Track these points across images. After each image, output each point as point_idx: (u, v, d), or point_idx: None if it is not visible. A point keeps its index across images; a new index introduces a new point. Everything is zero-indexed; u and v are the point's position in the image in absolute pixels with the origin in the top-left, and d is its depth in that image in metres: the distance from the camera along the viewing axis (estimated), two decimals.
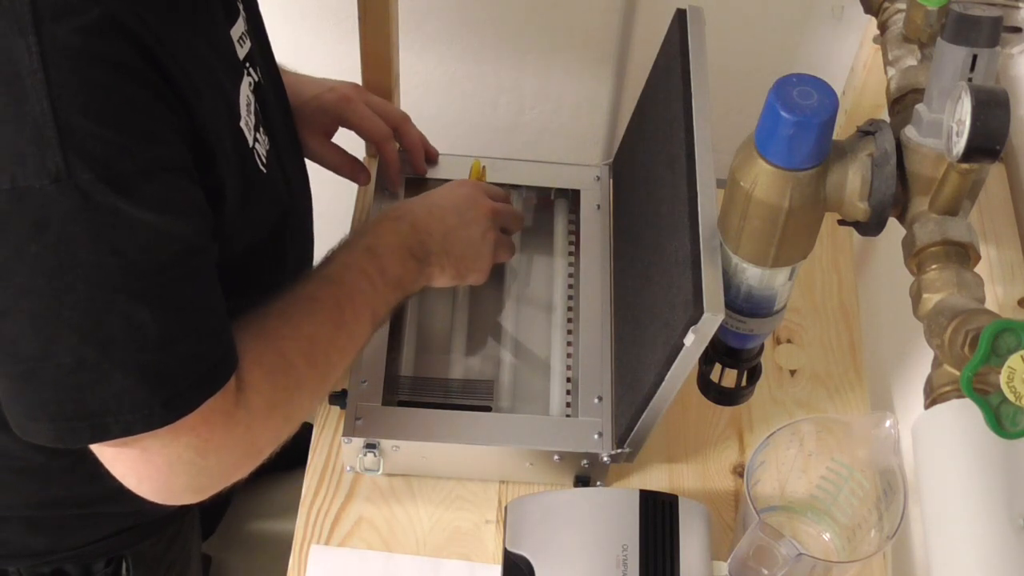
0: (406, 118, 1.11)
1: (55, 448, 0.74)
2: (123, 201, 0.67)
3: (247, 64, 0.86)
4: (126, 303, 0.69)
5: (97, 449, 0.75)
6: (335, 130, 1.10)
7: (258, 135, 0.86)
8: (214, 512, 1.25)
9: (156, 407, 0.71)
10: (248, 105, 0.85)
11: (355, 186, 1.21)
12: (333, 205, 1.19)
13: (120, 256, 0.68)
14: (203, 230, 0.75)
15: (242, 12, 0.87)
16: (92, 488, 0.96)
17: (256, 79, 0.88)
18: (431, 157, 1.14)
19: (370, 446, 0.97)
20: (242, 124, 0.83)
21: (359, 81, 1.17)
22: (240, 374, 0.77)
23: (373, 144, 1.10)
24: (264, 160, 0.87)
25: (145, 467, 0.75)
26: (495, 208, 1.03)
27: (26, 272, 0.67)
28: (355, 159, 1.11)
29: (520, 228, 1.10)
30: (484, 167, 1.12)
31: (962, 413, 0.67)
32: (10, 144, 0.64)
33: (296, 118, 1.06)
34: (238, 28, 0.86)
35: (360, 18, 1.11)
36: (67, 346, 0.68)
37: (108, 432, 0.71)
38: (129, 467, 0.75)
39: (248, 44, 0.87)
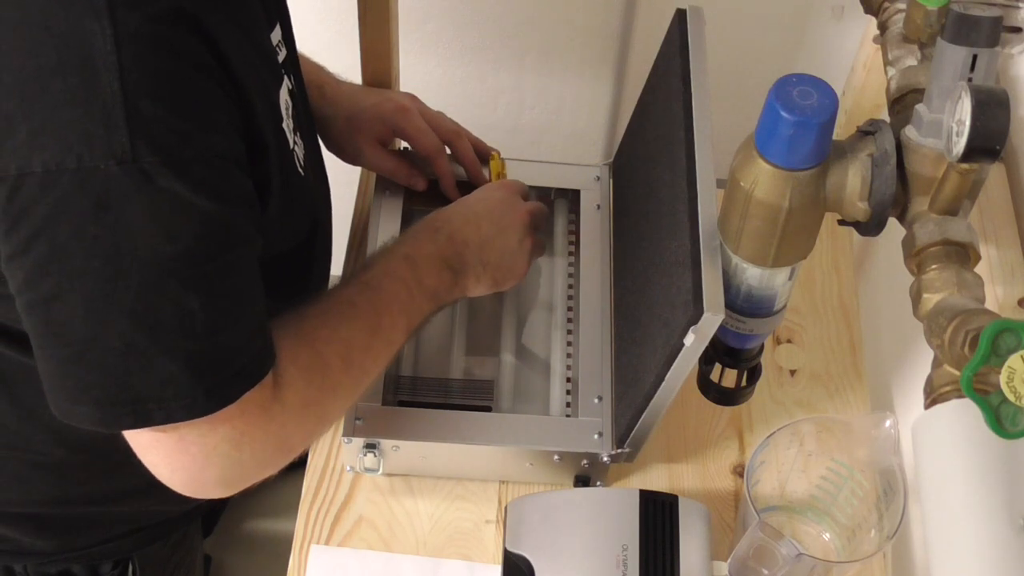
0: (459, 132, 1.11)
1: (79, 441, 0.74)
2: (183, 186, 0.68)
3: (284, 70, 0.87)
4: (178, 289, 0.69)
5: (132, 436, 0.75)
6: (391, 139, 1.12)
7: (296, 139, 0.87)
8: (213, 512, 1.25)
9: (199, 396, 0.72)
10: (287, 109, 0.85)
11: (355, 186, 1.21)
12: (334, 205, 1.19)
13: (176, 242, 0.69)
14: (253, 221, 0.76)
15: (279, 20, 0.88)
16: (105, 486, 0.96)
17: (291, 85, 0.88)
18: (485, 155, 1.13)
19: (370, 446, 0.97)
20: (284, 126, 0.84)
21: (359, 81, 1.17)
22: (277, 371, 0.78)
23: (426, 158, 1.10)
24: (303, 163, 0.88)
25: (180, 457, 0.75)
26: (531, 211, 1.02)
27: (83, 254, 0.67)
28: (411, 165, 1.11)
29: (546, 220, 1.10)
30: (503, 160, 1.12)
31: (962, 413, 0.67)
32: (80, 124, 0.65)
33: (352, 126, 1.08)
34: (276, 35, 0.87)
35: (360, 18, 1.11)
36: (118, 330, 0.69)
37: (151, 418, 0.72)
38: (163, 456, 0.75)
39: (284, 51, 0.88)
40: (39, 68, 0.64)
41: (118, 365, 0.70)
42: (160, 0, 0.67)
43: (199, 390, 0.72)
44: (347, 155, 1.11)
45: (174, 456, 0.75)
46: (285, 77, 0.87)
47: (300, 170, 0.88)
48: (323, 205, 1.02)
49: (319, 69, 1.09)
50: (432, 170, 1.10)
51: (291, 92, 0.88)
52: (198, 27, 0.69)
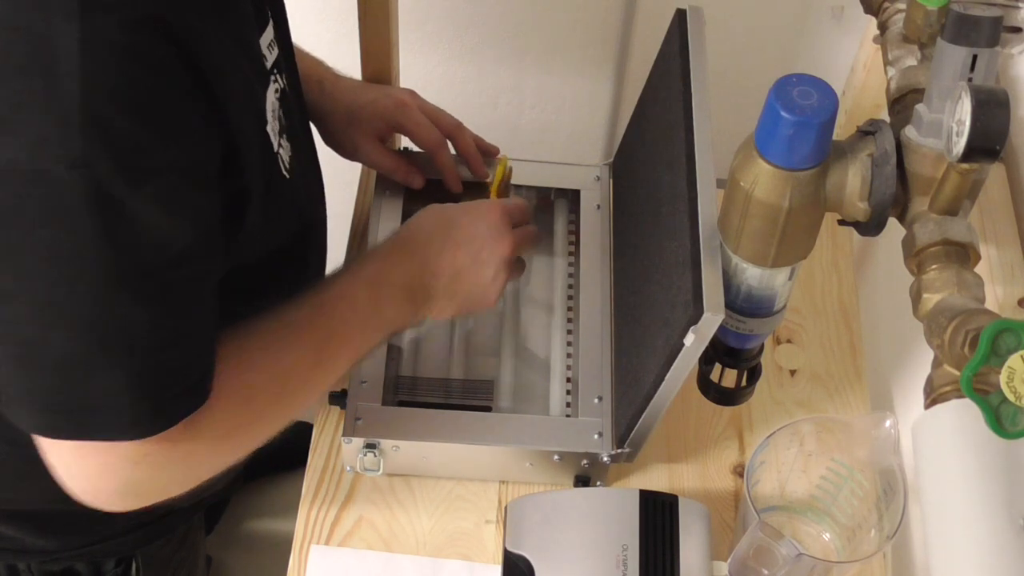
0: (459, 126, 1.10)
1: None
2: (135, 196, 0.66)
3: (274, 71, 0.86)
4: (125, 302, 0.68)
5: (35, 436, 0.74)
6: (389, 135, 1.11)
7: (282, 141, 0.86)
8: (214, 512, 1.25)
9: (142, 414, 0.71)
10: (274, 111, 0.85)
11: (355, 186, 1.21)
12: (334, 205, 1.19)
13: (124, 252, 0.67)
14: (210, 241, 0.74)
15: (271, 20, 0.87)
16: None
17: (282, 86, 0.88)
18: (491, 154, 1.12)
19: (370, 446, 0.97)
20: (268, 129, 0.83)
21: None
22: None
23: (428, 152, 1.09)
24: (288, 166, 0.87)
25: (77, 466, 0.74)
26: (515, 243, 0.97)
27: (34, 256, 0.67)
28: (409, 162, 1.11)
29: (535, 246, 1.06)
30: (511, 167, 1.10)
31: (962, 413, 0.67)
32: (36, 125, 0.64)
33: (351, 121, 1.07)
34: (267, 36, 0.86)
35: (360, 18, 1.11)
36: (64, 336, 0.68)
37: (90, 431, 0.71)
38: (60, 461, 0.74)
39: (276, 51, 0.87)
40: (6, 67, 0.64)
41: (61, 372, 0.69)
42: (136, 6, 0.65)
43: (141, 408, 0.71)
44: (345, 151, 1.10)
45: (71, 464, 0.74)
46: (274, 78, 0.86)
47: (285, 173, 0.87)
48: (314, 206, 1.01)
49: (318, 64, 1.08)
50: (434, 166, 1.10)
51: (281, 93, 0.87)
52: (174, 35, 0.67)
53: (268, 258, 0.88)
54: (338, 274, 0.90)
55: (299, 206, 0.94)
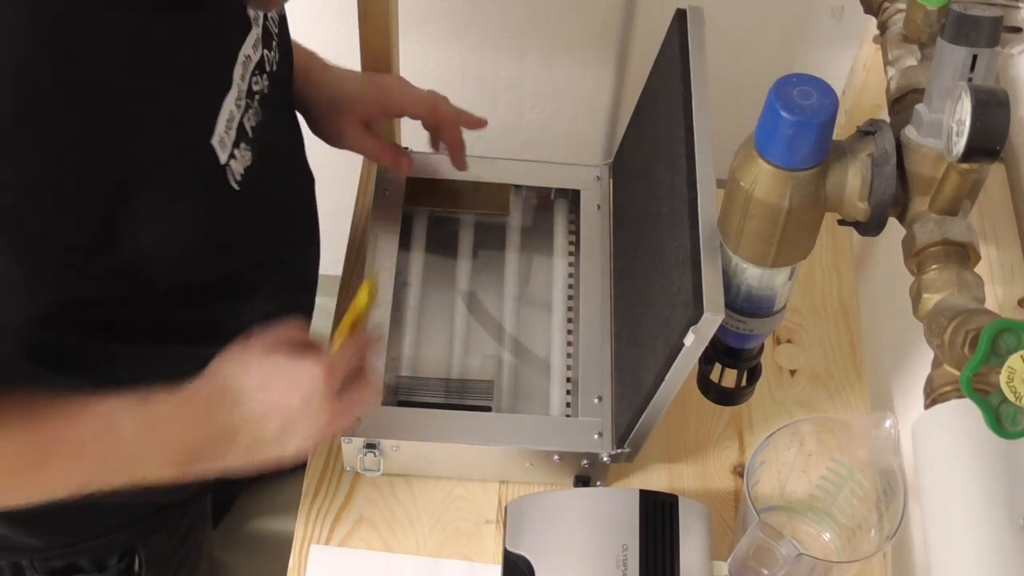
0: (445, 100, 1.07)
1: None
2: None
3: (257, 73, 0.85)
4: None
5: None
6: (378, 121, 1.08)
7: (236, 151, 0.83)
8: (216, 512, 1.25)
9: None
10: (230, 120, 0.82)
11: (355, 186, 1.21)
12: (334, 205, 1.19)
13: None
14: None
15: (257, 25, 0.85)
16: None
17: (257, 89, 0.86)
18: (477, 126, 1.09)
19: (370, 446, 0.97)
20: (214, 141, 0.80)
21: None
22: None
23: (425, 119, 1.07)
24: (238, 177, 0.84)
25: None
26: (333, 418, 0.84)
27: None
28: (395, 146, 1.09)
29: (376, 402, 0.95)
30: (378, 289, 1.01)
31: (962, 413, 0.67)
32: None
33: (334, 108, 1.05)
34: (251, 38, 0.84)
35: (360, 18, 1.11)
36: None
37: None
38: None
39: (258, 55, 0.86)
40: None
41: None
42: (19, 43, 0.63)
43: None
44: (329, 137, 1.07)
45: None
46: (242, 83, 0.83)
47: (234, 185, 0.83)
48: (288, 212, 0.98)
49: (309, 56, 1.06)
50: (435, 145, 1.08)
51: (251, 96, 0.85)
52: (50, 80, 0.64)
53: (242, 271, 0.86)
54: (127, 399, 0.79)
55: (255, 217, 0.88)
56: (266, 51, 0.88)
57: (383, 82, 1.08)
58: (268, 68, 0.89)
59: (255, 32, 0.86)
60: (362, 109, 1.06)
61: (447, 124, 1.07)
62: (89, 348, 0.85)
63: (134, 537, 1.02)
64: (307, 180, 1.05)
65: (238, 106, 0.83)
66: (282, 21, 0.93)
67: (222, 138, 0.81)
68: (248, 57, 0.85)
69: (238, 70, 0.83)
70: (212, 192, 0.82)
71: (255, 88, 0.86)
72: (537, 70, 1.57)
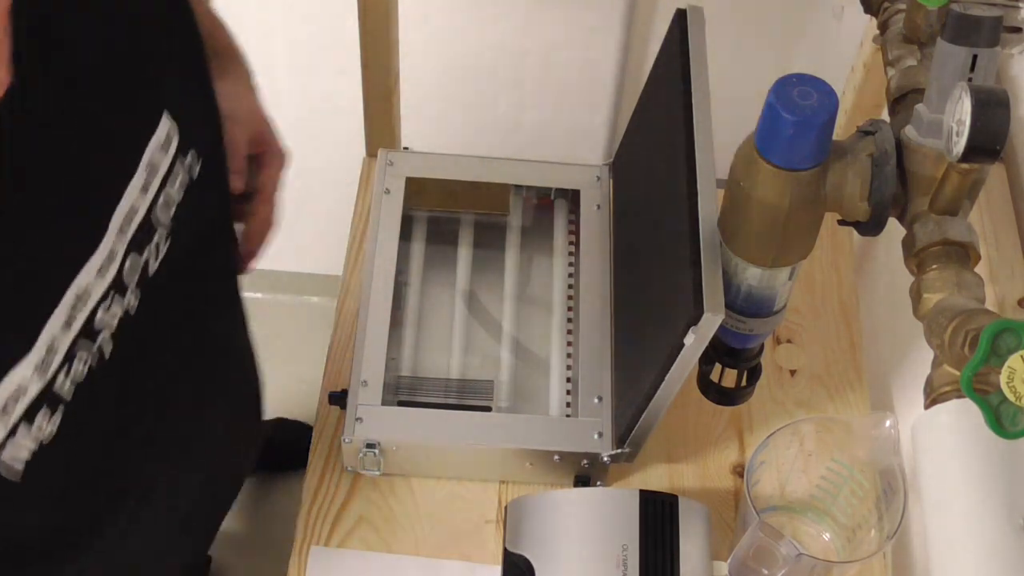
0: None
1: None
2: None
3: (166, 163, 0.68)
4: None
5: None
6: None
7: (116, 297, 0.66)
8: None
9: None
10: (127, 215, 0.65)
11: (355, 186, 1.21)
12: (334, 205, 1.19)
13: None
14: None
15: (174, 122, 0.68)
16: None
17: (164, 171, 0.68)
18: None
19: (370, 446, 0.97)
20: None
21: (359, 81, 1.17)
22: None
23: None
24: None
25: None
26: None
27: None
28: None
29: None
30: None
31: (962, 413, 0.67)
32: None
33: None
34: (163, 129, 0.67)
35: (360, 18, 1.11)
36: None
37: None
38: None
39: (176, 139, 0.68)
40: None
41: None
42: None
43: None
44: None
45: None
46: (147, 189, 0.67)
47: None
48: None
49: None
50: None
51: (161, 184, 0.68)
52: None
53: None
54: None
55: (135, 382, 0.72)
56: (182, 159, 0.70)
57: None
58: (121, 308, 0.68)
59: (167, 121, 0.68)
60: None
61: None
62: None
63: None
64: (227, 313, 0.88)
65: (151, 192, 0.67)
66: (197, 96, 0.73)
67: (114, 240, 0.65)
68: (166, 143, 0.68)
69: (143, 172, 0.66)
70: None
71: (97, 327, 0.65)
72: (537, 70, 1.57)
